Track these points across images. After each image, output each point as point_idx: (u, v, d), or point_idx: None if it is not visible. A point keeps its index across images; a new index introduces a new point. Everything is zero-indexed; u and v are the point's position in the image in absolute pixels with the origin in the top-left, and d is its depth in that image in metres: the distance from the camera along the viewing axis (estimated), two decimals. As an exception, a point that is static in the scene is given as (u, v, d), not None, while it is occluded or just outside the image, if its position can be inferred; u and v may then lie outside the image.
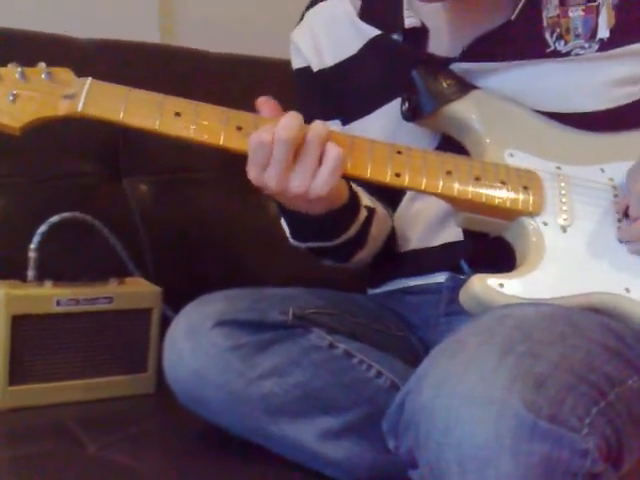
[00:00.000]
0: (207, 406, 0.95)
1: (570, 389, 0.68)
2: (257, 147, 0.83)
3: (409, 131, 0.99)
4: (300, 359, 0.94)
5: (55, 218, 1.13)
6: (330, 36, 1.07)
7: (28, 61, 1.17)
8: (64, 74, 0.89)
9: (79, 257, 1.22)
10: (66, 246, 1.19)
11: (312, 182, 0.84)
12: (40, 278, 1.10)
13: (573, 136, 0.96)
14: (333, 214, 0.92)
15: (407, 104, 0.97)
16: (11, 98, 0.87)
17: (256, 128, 0.85)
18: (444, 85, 0.95)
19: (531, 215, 0.89)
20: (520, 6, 0.95)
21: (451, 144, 0.98)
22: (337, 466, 0.94)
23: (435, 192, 0.89)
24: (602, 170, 0.94)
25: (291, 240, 1.03)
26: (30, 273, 1.10)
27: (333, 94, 1.07)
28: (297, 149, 0.83)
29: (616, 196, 0.92)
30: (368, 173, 0.87)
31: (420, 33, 1.01)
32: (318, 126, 0.85)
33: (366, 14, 1.04)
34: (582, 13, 0.95)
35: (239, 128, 0.86)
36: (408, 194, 1.05)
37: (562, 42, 0.95)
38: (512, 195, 0.89)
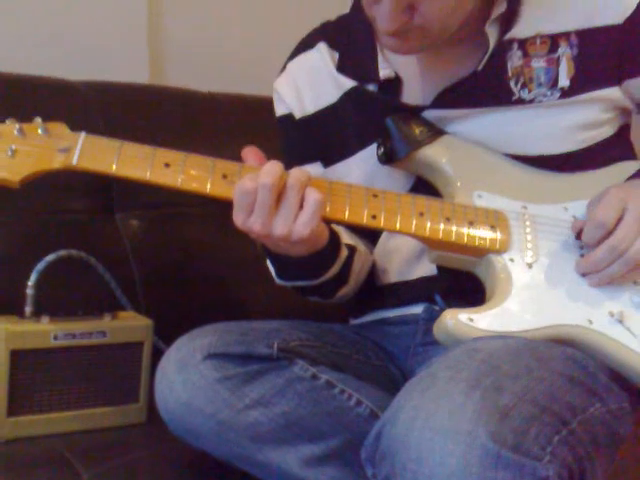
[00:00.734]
0: (197, 435, 0.96)
1: (533, 419, 0.71)
2: (242, 194, 0.86)
3: (386, 173, 1.03)
4: (285, 390, 0.96)
5: (52, 256, 1.14)
6: (311, 85, 1.10)
7: (23, 104, 1.20)
8: (59, 128, 0.92)
9: (74, 292, 1.23)
10: (62, 282, 1.20)
11: (294, 225, 0.87)
12: (37, 313, 1.11)
13: (538, 177, 1.00)
14: (315, 255, 0.95)
15: (382, 149, 1.01)
16: (10, 153, 0.89)
17: (240, 176, 0.89)
18: (416, 131, 0.99)
19: (498, 252, 0.93)
20: (486, 57, 0.98)
21: (425, 185, 1.02)
22: (320, 491, 0.96)
23: (409, 232, 0.93)
24: (565, 209, 0.98)
25: (277, 280, 1.06)
26: (28, 309, 1.12)
27: (314, 139, 1.10)
28: (279, 194, 0.87)
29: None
30: (346, 216, 0.91)
31: (394, 83, 1.04)
32: (297, 172, 0.88)
33: (343, 66, 1.08)
34: (544, 64, 0.99)
35: (224, 176, 0.90)
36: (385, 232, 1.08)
37: (526, 90, 0.99)
38: (480, 234, 0.93)
